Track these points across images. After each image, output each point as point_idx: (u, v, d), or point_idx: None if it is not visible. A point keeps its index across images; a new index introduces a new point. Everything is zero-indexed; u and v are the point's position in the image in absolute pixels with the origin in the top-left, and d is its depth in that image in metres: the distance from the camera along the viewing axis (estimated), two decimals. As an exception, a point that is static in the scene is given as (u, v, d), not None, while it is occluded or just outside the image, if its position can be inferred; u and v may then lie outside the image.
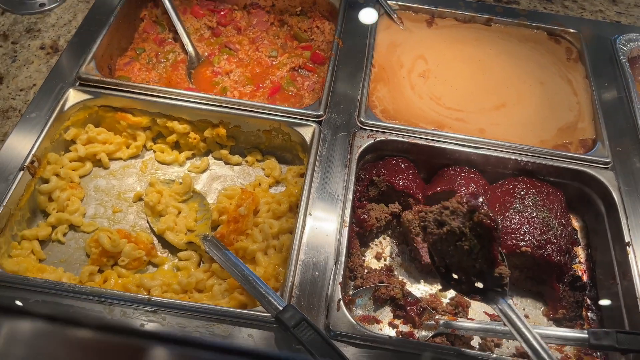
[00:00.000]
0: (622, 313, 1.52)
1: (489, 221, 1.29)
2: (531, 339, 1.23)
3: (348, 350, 1.34)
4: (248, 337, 1.33)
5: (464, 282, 1.36)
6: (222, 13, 2.27)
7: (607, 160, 1.76)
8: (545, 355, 1.21)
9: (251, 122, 1.78)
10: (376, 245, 1.73)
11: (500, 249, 1.32)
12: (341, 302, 1.40)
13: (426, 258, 1.60)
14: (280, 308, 1.33)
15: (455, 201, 1.36)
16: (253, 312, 1.36)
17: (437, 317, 1.52)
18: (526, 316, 1.61)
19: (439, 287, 1.64)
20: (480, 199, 1.35)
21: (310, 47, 2.20)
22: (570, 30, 2.16)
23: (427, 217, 1.40)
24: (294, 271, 1.45)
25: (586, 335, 1.38)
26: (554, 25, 2.18)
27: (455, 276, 1.36)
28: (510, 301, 1.30)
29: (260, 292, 1.37)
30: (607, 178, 1.72)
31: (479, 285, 1.34)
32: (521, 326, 1.26)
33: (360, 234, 1.68)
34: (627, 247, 1.58)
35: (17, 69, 1.97)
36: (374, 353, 1.35)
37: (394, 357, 1.34)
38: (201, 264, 1.60)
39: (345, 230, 1.55)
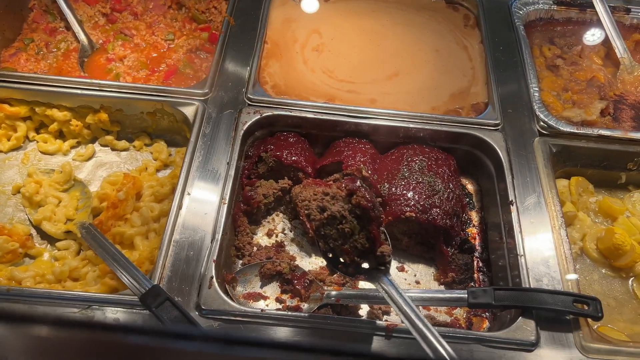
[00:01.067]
0: (507, 273, 1.52)
1: (365, 202, 1.26)
2: (411, 314, 1.20)
3: (220, 327, 1.31)
4: (113, 320, 1.29)
5: (350, 265, 1.33)
6: (116, -1, 2.21)
7: (497, 122, 1.75)
8: (426, 331, 1.18)
9: (133, 104, 1.73)
10: (268, 222, 1.70)
11: (382, 227, 1.29)
12: (213, 279, 1.37)
13: (314, 231, 1.58)
14: (146, 289, 1.29)
15: (335, 186, 1.33)
16: (119, 296, 1.32)
17: (324, 288, 1.50)
18: (417, 282, 1.59)
19: (330, 260, 1.62)
20: (358, 182, 1.32)
21: (208, 29, 2.15)
22: (468, -3, 2.16)
23: (310, 205, 1.37)
24: (167, 252, 1.41)
25: (465, 295, 1.38)
26: (452, -8, 2.17)
27: (341, 260, 1.33)
28: (391, 278, 1.27)
29: (126, 275, 1.33)
30: (494, 139, 1.71)
31: (365, 265, 1.31)
32: (401, 302, 1.22)
33: (248, 211, 1.65)
34: (511, 205, 1.57)
35: None
36: (246, 328, 1.32)
37: (268, 331, 1.31)
38: (80, 253, 1.55)
39: (225, 208, 1.51)
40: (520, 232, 1.52)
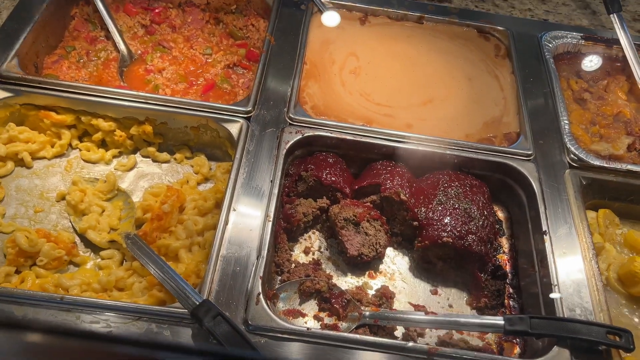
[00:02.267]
0: (539, 300, 1.56)
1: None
2: None
3: (266, 343, 1.34)
4: (164, 334, 1.32)
5: None
6: (156, 11, 2.25)
7: (529, 152, 1.81)
8: None
9: (178, 118, 1.77)
10: (305, 240, 1.74)
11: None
12: (260, 296, 1.40)
13: (351, 250, 1.63)
14: (197, 303, 1.32)
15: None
16: (169, 309, 1.35)
17: (361, 308, 1.54)
18: (450, 306, 1.64)
19: (366, 279, 1.66)
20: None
21: (245, 45, 2.20)
22: (499, 27, 2.22)
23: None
24: (214, 267, 1.44)
25: (502, 322, 1.43)
26: (483, 23, 2.23)
27: None
28: None
29: (176, 288, 1.36)
30: (528, 169, 1.77)
31: None
32: None
33: (288, 229, 1.69)
34: (544, 235, 1.62)
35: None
36: (292, 345, 1.35)
37: (311, 349, 1.35)
38: (124, 263, 1.58)
39: (269, 225, 1.55)
40: (554, 261, 1.57)
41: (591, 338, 1.39)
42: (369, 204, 1.73)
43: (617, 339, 1.40)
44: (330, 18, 2.15)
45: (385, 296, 1.59)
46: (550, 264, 1.57)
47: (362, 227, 1.66)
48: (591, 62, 2.21)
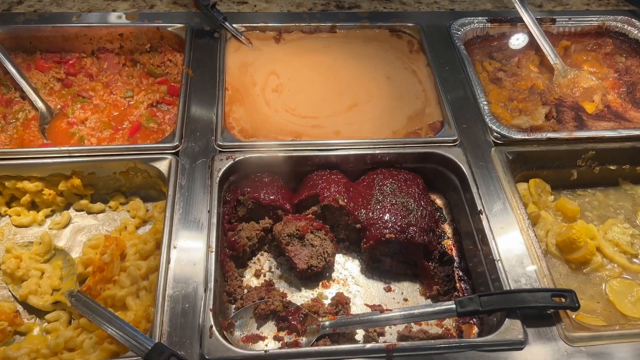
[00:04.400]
0: (487, 279, 1.61)
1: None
2: None
3: (231, 375, 1.33)
4: (121, 386, 1.29)
5: None
6: (70, 62, 2.23)
7: (455, 138, 1.87)
8: None
9: (105, 166, 1.75)
10: (254, 263, 1.74)
11: None
12: (213, 328, 1.39)
13: (300, 265, 1.64)
14: (149, 348, 1.30)
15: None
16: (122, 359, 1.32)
17: (318, 320, 1.55)
18: (405, 299, 1.67)
19: (320, 289, 1.67)
20: None
21: (166, 81, 2.19)
22: (409, 24, 2.30)
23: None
24: (162, 308, 1.42)
25: (453, 306, 1.46)
26: (394, 22, 2.31)
27: None
28: None
29: (126, 337, 1.34)
30: (455, 154, 1.83)
31: None
32: None
33: (235, 256, 1.68)
34: (480, 215, 1.68)
35: None
36: (254, 371, 1.35)
37: (274, 370, 1.35)
38: (72, 322, 1.54)
39: (212, 256, 1.55)
40: (493, 238, 1.62)
41: (538, 304, 1.44)
42: (311, 215, 1.75)
43: (563, 300, 1.45)
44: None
45: (341, 303, 1.61)
46: (490, 241, 1.62)
47: (307, 240, 1.68)
48: (500, 43, 2.32)
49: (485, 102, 1.98)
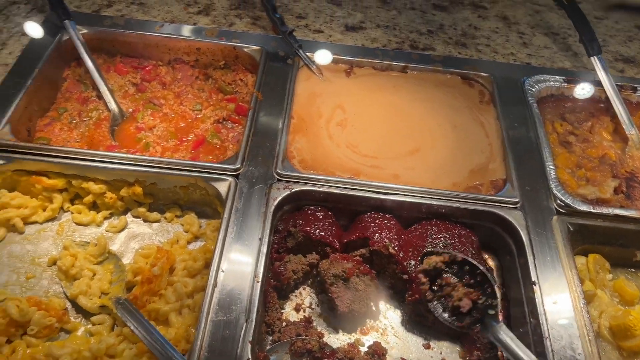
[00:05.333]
0: (532, 352, 1.55)
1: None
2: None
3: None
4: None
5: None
6: (146, 69, 2.31)
7: (516, 200, 1.82)
8: None
9: (167, 179, 1.79)
10: (296, 296, 1.74)
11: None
12: (249, 361, 1.40)
13: (342, 307, 1.63)
14: (186, 372, 1.32)
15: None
16: (159, 378, 1.35)
17: (353, 367, 1.53)
18: (443, 359, 1.63)
19: (357, 335, 1.66)
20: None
21: (234, 100, 2.24)
22: (483, 73, 2.27)
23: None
24: (204, 332, 1.44)
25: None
26: (467, 69, 2.28)
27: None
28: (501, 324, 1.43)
29: (166, 355, 1.36)
30: (515, 218, 1.78)
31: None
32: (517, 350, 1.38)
33: (278, 287, 1.69)
34: (533, 286, 1.63)
35: None
36: (283, 412, 1.34)
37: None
38: (115, 328, 1.58)
39: (258, 286, 1.56)
40: (544, 312, 1.57)
41: (584, 393, 1.37)
42: (358, 257, 1.74)
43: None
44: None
45: (377, 353, 1.59)
46: (540, 315, 1.56)
47: (352, 283, 1.67)
48: (574, 104, 2.25)
49: (552, 166, 1.92)
